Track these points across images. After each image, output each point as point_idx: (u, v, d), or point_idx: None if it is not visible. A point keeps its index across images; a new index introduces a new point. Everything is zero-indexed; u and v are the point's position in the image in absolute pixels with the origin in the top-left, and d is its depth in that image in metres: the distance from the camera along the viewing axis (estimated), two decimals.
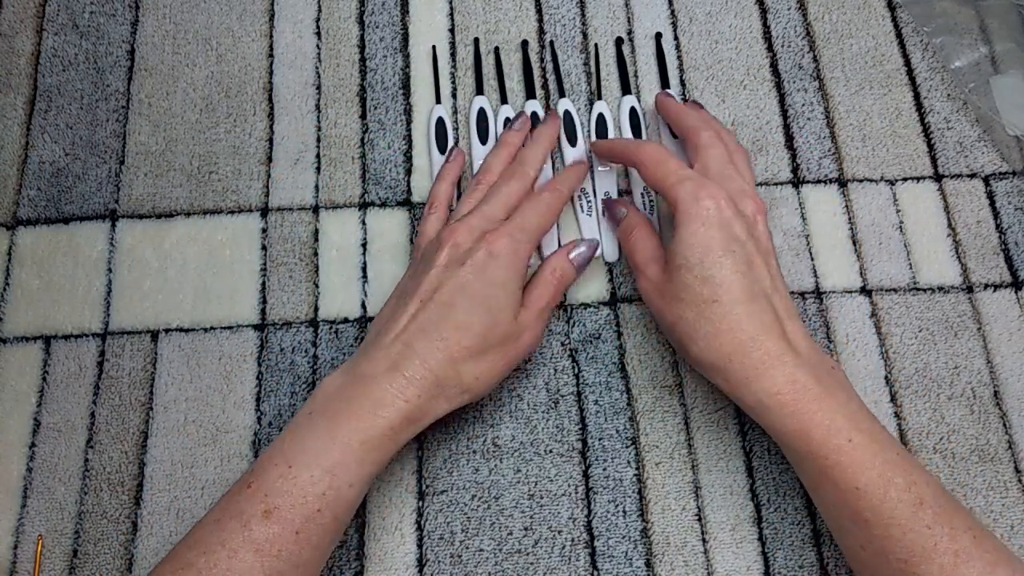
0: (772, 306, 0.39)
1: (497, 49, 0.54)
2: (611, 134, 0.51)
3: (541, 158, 0.47)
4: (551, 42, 0.54)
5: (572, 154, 0.50)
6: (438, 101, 0.52)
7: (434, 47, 0.53)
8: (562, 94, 0.52)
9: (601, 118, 0.51)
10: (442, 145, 0.51)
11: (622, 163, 0.48)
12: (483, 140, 0.51)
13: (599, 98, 0.52)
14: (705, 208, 0.40)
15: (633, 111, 0.51)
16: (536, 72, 0.53)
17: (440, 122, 0.51)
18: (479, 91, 0.52)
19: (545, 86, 0.53)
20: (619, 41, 0.53)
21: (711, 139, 0.44)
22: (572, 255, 0.45)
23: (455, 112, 0.52)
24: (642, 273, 0.43)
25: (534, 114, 0.51)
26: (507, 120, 0.51)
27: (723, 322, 0.38)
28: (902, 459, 0.36)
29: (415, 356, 0.39)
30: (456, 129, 0.52)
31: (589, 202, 0.49)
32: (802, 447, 0.36)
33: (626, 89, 0.52)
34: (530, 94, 0.52)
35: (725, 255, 0.39)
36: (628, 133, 0.51)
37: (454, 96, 0.53)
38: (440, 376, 0.39)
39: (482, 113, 0.51)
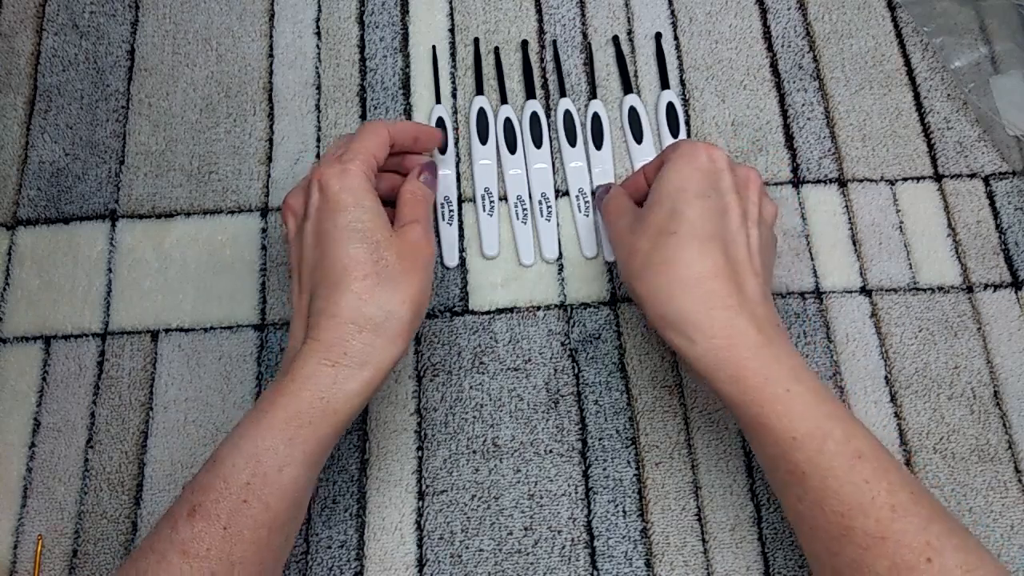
0: (729, 253, 0.38)
1: (497, 49, 0.53)
2: (607, 134, 0.51)
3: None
4: (553, 42, 0.54)
5: (572, 154, 0.50)
6: (438, 101, 0.52)
7: (434, 47, 0.53)
8: (563, 94, 0.52)
9: (596, 117, 0.51)
10: (443, 145, 0.51)
11: (653, 175, 0.45)
12: (483, 140, 0.51)
13: (595, 96, 0.52)
14: (697, 154, 0.39)
15: (632, 110, 0.51)
16: (536, 72, 0.53)
17: (440, 122, 0.51)
18: (479, 91, 0.52)
19: (545, 86, 0.53)
20: (615, 39, 0.53)
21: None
22: (419, 177, 0.43)
23: (455, 112, 0.52)
24: (613, 224, 0.42)
25: (534, 115, 0.51)
26: (507, 120, 0.51)
27: (675, 254, 0.37)
28: (841, 413, 0.35)
29: (320, 316, 0.36)
30: (456, 129, 0.52)
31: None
32: (736, 394, 0.35)
33: (627, 88, 0.52)
34: (530, 94, 0.52)
35: (699, 197, 0.38)
36: (628, 132, 0.51)
37: (454, 96, 0.53)
38: (356, 322, 0.36)
39: (482, 113, 0.51)
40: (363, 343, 0.36)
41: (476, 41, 0.54)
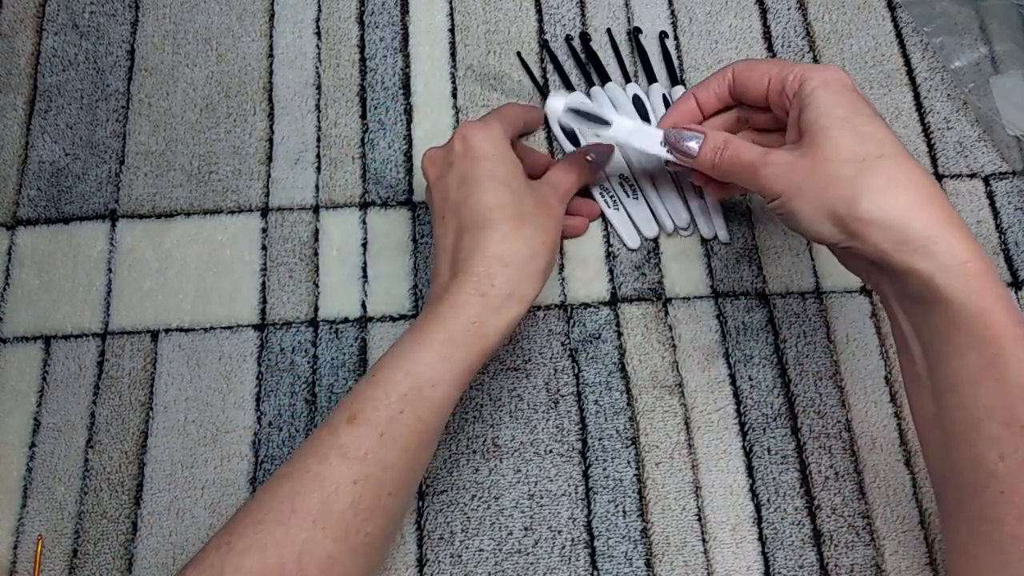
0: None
1: (582, 36, 0.54)
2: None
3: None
4: (576, 34, 0.54)
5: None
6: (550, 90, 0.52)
7: (519, 53, 0.54)
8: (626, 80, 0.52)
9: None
10: (574, 141, 0.51)
11: (712, 103, 0.43)
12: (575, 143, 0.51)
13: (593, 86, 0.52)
14: (839, 74, 0.37)
15: (664, 98, 0.52)
16: (542, 67, 0.53)
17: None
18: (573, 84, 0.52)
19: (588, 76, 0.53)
20: (636, 31, 0.53)
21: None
22: (588, 156, 0.46)
23: (457, 112, 0.52)
24: (762, 165, 0.38)
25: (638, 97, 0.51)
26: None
27: (899, 174, 0.34)
28: None
29: (470, 252, 0.38)
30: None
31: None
32: (978, 328, 0.32)
33: (651, 78, 0.52)
34: (566, 85, 0.52)
35: (873, 116, 0.36)
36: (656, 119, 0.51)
37: (454, 96, 0.53)
38: (502, 258, 0.38)
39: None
40: (509, 277, 0.38)
41: (568, 37, 0.54)
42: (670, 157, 0.42)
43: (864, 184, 0.34)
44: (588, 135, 0.47)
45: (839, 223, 0.35)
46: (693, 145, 0.41)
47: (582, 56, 0.53)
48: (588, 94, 0.52)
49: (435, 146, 0.43)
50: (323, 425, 0.36)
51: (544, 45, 0.54)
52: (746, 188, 0.44)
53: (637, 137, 0.42)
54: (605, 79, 0.52)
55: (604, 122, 0.42)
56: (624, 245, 0.49)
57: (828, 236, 0.36)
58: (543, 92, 0.53)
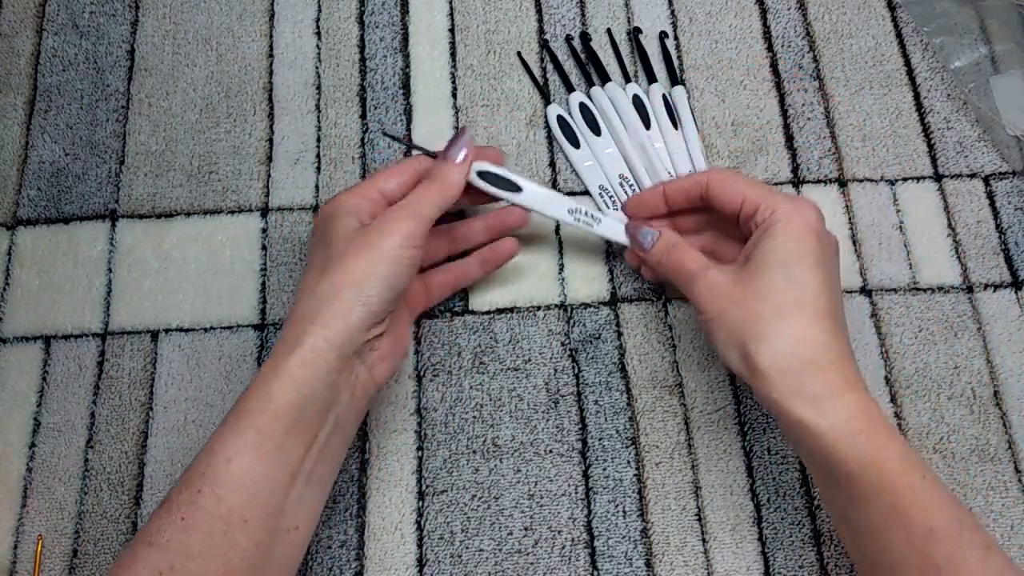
0: (845, 334, 0.37)
1: (584, 35, 0.54)
2: (602, 127, 0.51)
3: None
4: (608, 29, 0.54)
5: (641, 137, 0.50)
6: (548, 101, 0.52)
7: (519, 53, 0.54)
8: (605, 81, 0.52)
9: (584, 107, 0.51)
10: (573, 141, 0.51)
11: (680, 201, 0.43)
12: (576, 144, 0.51)
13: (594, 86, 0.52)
14: (809, 216, 0.38)
15: (664, 98, 0.52)
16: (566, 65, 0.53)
17: (560, 119, 0.51)
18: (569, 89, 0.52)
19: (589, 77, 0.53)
20: (636, 31, 0.53)
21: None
22: (448, 153, 0.41)
23: (456, 111, 0.52)
24: (703, 276, 0.39)
25: (582, 104, 0.51)
26: (559, 116, 0.51)
27: (809, 329, 0.36)
28: (958, 500, 0.34)
29: (288, 319, 0.37)
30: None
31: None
32: (873, 480, 0.33)
33: (651, 78, 0.52)
34: (569, 87, 0.52)
35: (818, 266, 0.37)
36: (665, 119, 0.51)
37: (454, 95, 0.53)
38: (298, 314, 0.37)
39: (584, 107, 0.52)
40: (299, 331, 0.36)
41: (570, 36, 0.54)
42: (622, 241, 0.44)
43: (773, 330, 0.36)
44: (502, 197, 0.44)
45: (745, 359, 0.37)
46: (647, 241, 0.42)
47: (582, 56, 0.53)
48: (588, 94, 0.52)
49: None
50: None
51: (544, 45, 0.54)
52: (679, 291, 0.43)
53: (547, 204, 0.44)
54: (605, 79, 0.52)
55: (515, 187, 0.43)
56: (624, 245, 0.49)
57: (735, 368, 0.37)
58: (543, 92, 0.53)
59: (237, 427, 0.35)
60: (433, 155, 0.42)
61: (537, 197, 0.44)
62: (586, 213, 0.44)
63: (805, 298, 0.36)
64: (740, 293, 0.38)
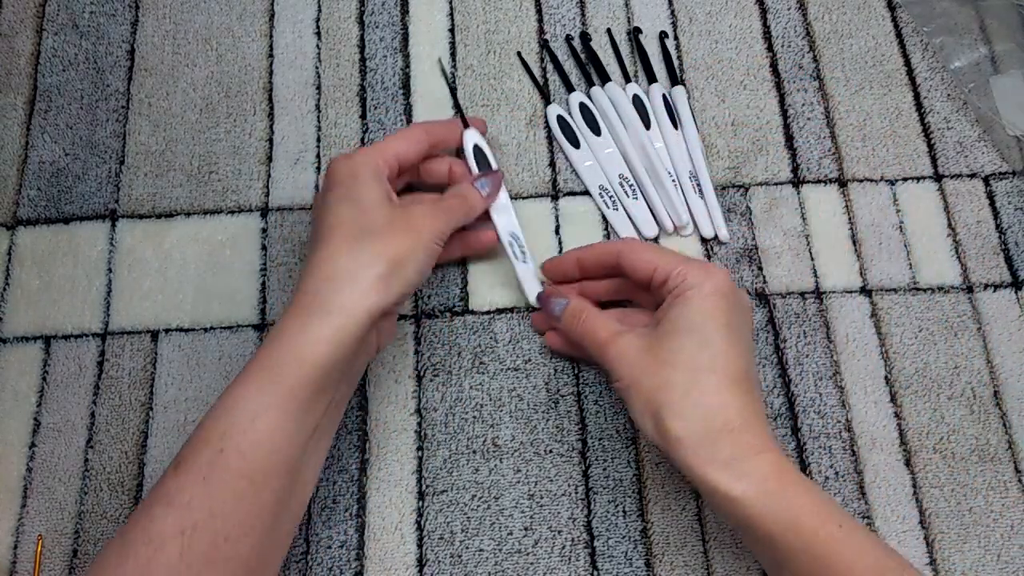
0: (759, 389, 0.37)
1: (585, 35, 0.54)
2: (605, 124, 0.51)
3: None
4: (582, 34, 0.54)
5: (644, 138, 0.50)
6: (548, 102, 0.52)
7: (519, 53, 0.53)
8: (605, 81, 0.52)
9: (585, 106, 0.51)
10: (574, 141, 0.51)
11: (593, 268, 0.44)
12: (575, 145, 0.51)
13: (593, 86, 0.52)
14: (719, 280, 0.38)
15: (665, 98, 0.52)
16: (567, 65, 0.53)
17: (560, 118, 0.51)
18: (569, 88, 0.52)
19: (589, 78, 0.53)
20: (636, 31, 0.54)
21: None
22: (476, 183, 0.45)
23: (457, 112, 0.52)
24: (613, 343, 0.39)
25: (582, 104, 0.51)
26: (559, 117, 0.51)
27: (718, 396, 0.36)
28: (882, 542, 0.35)
29: (302, 273, 0.38)
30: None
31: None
32: (792, 539, 0.34)
33: (651, 78, 0.52)
34: (569, 87, 0.52)
35: (729, 329, 0.37)
36: (665, 119, 0.51)
37: (454, 96, 0.53)
38: (327, 273, 0.37)
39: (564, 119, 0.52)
40: (332, 290, 0.37)
41: (569, 37, 0.54)
42: (530, 293, 0.47)
43: (685, 397, 0.36)
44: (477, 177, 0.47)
45: (658, 428, 0.36)
46: (557, 309, 0.43)
47: (582, 56, 0.53)
48: (588, 94, 0.52)
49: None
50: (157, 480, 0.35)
51: (544, 45, 0.54)
52: (592, 360, 0.44)
53: (500, 212, 0.47)
54: (605, 79, 0.52)
55: (492, 170, 0.47)
56: None
57: (649, 436, 0.37)
58: (543, 92, 0.53)
59: (263, 386, 0.35)
60: (466, 123, 0.48)
61: (500, 201, 0.47)
62: (521, 247, 0.47)
63: (716, 362, 0.36)
64: (651, 361, 0.37)
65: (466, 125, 0.48)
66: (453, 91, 0.52)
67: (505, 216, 0.47)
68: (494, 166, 0.48)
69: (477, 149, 0.48)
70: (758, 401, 0.37)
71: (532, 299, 0.47)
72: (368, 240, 0.38)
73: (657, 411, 0.36)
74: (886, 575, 0.33)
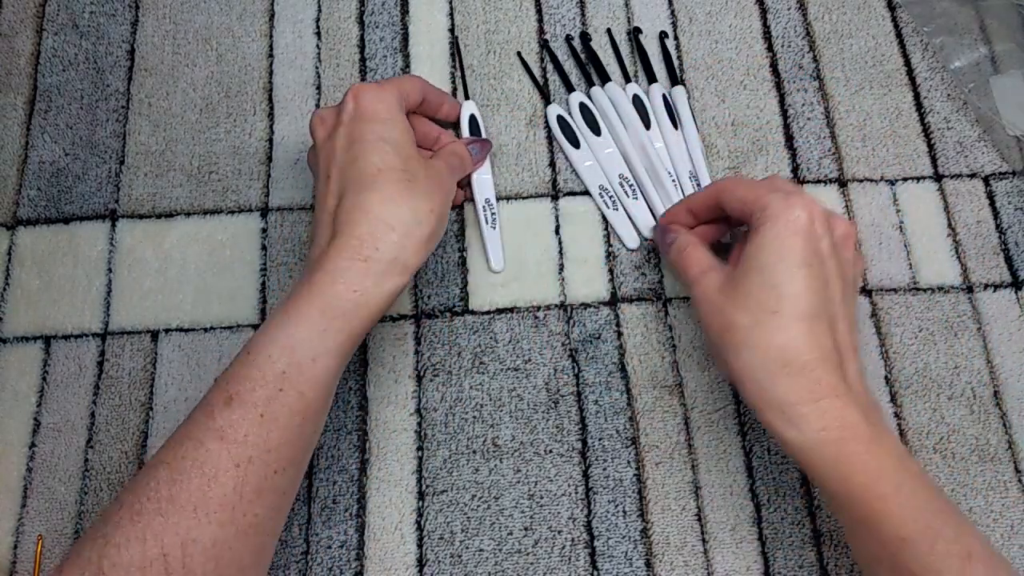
0: (834, 334, 0.36)
1: (584, 35, 0.54)
2: (602, 124, 0.51)
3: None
4: (608, 30, 0.54)
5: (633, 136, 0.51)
6: (467, 97, 0.52)
7: (519, 53, 0.53)
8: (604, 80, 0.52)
9: (584, 107, 0.51)
10: (573, 140, 0.51)
11: (702, 212, 0.44)
12: (575, 145, 0.51)
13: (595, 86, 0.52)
14: (795, 215, 0.37)
15: (664, 98, 0.51)
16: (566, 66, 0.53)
17: (559, 119, 0.51)
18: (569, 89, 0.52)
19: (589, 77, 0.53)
20: (636, 31, 0.53)
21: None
22: (469, 147, 0.47)
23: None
24: (698, 283, 0.40)
25: (582, 104, 0.51)
26: (559, 117, 0.51)
27: (778, 336, 0.35)
28: (949, 508, 0.34)
29: (352, 213, 0.37)
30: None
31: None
32: (843, 491, 0.34)
33: (651, 78, 0.52)
34: (569, 87, 0.52)
35: (801, 267, 0.36)
36: (665, 119, 0.51)
37: (454, 96, 0.53)
38: (388, 221, 0.37)
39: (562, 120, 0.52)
40: (393, 242, 0.37)
41: (569, 37, 0.54)
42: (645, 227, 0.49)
43: (745, 339, 0.36)
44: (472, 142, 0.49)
45: (723, 368, 0.37)
46: (668, 239, 0.44)
47: (582, 56, 0.53)
48: (588, 94, 0.52)
49: (324, 108, 0.42)
50: (199, 407, 0.35)
51: (544, 45, 0.54)
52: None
53: (480, 177, 0.49)
54: (605, 79, 0.52)
55: (486, 142, 0.49)
56: (624, 245, 0.49)
57: (721, 370, 0.38)
58: (543, 92, 0.53)
59: (328, 330, 0.35)
60: (467, 95, 0.51)
61: (483, 167, 0.50)
62: (493, 212, 0.49)
63: (782, 303, 0.36)
64: (722, 300, 0.38)
65: (467, 96, 0.51)
66: (459, 58, 0.53)
67: (485, 182, 0.49)
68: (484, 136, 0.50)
69: (473, 120, 0.50)
70: (833, 341, 0.36)
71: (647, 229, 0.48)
72: (417, 193, 0.38)
73: (721, 353, 0.37)
74: (936, 542, 0.32)
